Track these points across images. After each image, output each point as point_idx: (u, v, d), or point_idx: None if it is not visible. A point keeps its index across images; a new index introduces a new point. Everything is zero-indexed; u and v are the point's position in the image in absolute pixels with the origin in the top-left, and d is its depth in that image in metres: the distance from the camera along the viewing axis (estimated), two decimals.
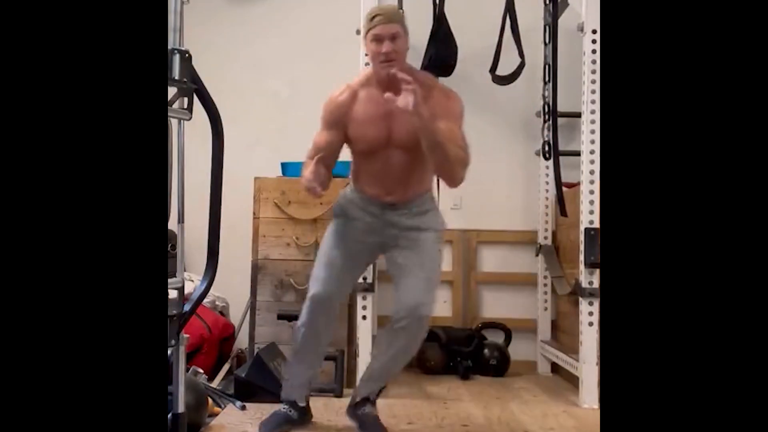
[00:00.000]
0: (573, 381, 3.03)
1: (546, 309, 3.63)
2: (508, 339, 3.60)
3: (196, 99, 1.58)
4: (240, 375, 2.78)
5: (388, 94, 2.02)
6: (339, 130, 2.26)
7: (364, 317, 2.86)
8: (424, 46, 3.30)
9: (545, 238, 3.63)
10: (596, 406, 2.71)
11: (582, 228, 2.81)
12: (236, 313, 3.62)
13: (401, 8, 3.10)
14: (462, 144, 2.15)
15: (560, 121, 3.14)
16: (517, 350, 3.61)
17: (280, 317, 2.95)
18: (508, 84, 3.29)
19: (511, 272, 3.78)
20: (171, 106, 1.53)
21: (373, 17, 2.19)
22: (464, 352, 3.44)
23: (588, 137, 2.80)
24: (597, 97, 2.79)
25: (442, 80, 3.31)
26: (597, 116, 2.79)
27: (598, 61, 2.78)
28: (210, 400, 2.51)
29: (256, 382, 2.72)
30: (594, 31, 2.81)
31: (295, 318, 2.35)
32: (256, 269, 3.16)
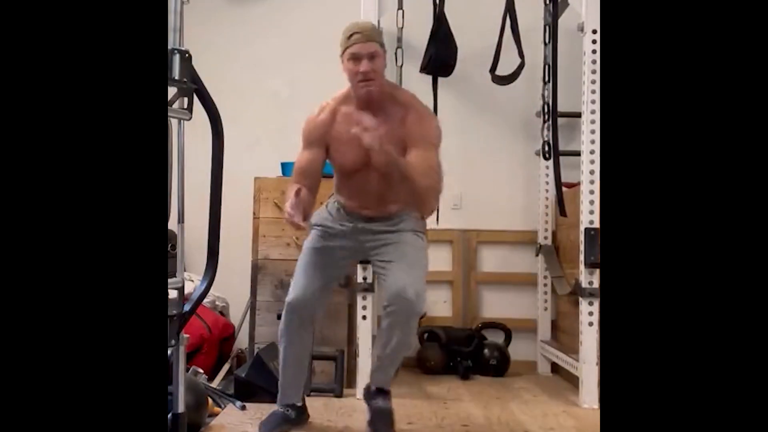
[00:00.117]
0: (573, 381, 3.03)
1: (546, 309, 3.63)
2: (508, 339, 3.60)
3: (196, 99, 1.58)
4: (240, 375, 2.78)
5: (354, 129, 2.05)
6: (320, 148, 2.29)
7: (364, 317, 2.86)
8: (424, 46, 3.31)
9: (545, 238, 3.63)
10: (596, 406, 2.71)
11: (582, 228, 2.81)
12: (236, 313, 3.62)
13: (401, 8, 3.11)
14: (433, 174, 2.16)
15: (560, 121, 3.14)
16: (517, 350, 3.61)
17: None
18: (508, 84, 3.29)
19: (511, 272, 3.78)
20: (171, 106, 1.53)
21: (351, 35, 2.18)
22: (464, 352, 3.44)
23: (588, 137, 2.80)
24: (597, 97, 2.79)
25: (441, 81, 3.35)
26: (597, 116, 2.79)
27: (598, 61, 2.78)
28: (210, 400, 2.52)
29: (256, 382, 2.72)
30: (594, 31, 2.81)
31: None
32: (256, 269, 3.16)
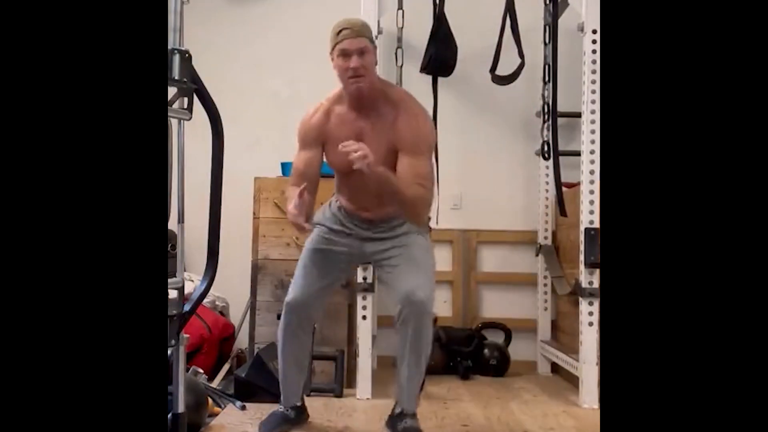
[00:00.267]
0: (573, 381, 3.03)
1: (546, 309, 3.63)
2: (508, 339, 3.60)
3: (196, 99, 1.57)
4: (240, 375, 2.78)
5: (341, 146, 2.03)
6: (317, 147, 2.28)
7: (364, 317, 2.86)
8: (424, 46, 3.31)
9: (545, 238, 3.63)
10: (596, 406, 2.71)
11: (582, 228, 2.81)
12: (236, 313, 3.62)
13: (401, 8, 3.10)
14: (423, 182, 2.15)
15: (560, 121, 3.14)
16: (517, 350, 3.61)
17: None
18: (508, 84, 3.29)
19: (511, 272, 3.78)
20: (171, 106, 1.52)
21: (340, 31, 2.17)
22: (464, 352, 3.44)
23: (588, 137, 2.80)
24: (597, 97, 2.79)
25: (441, 81, 3.34)
26: (597, 116, 2.79)
27: (598, 61, 2.78)
28: (210, 400, 2.52)
29: (256, 382, 2.72)
30: (594, 31, 2.81)
31: None
32: (256, 269, 3.16)
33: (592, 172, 2.79)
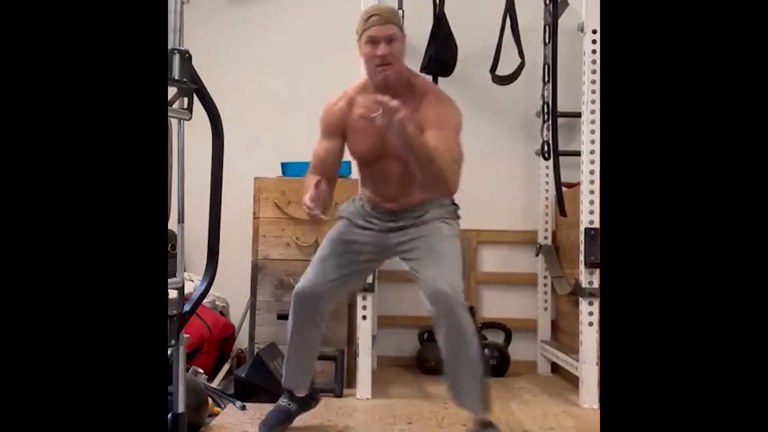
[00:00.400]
0: (573, 381, 3.03)
1: (546, 309, 3.63)
2: (508, 339, 3.60)
3: (196, 99, 1.58)
4: (240, 375, 2.78)
5: (377, 97, 1.89)
6: (338, 137, 2.23)
7: (364, 317, 2.86)
8: (424, 46, 3.31)
9: (545, 238, 3.63)
10: (596, 406, 2.71)
11: (582, 228, 2.81)
12: (236, 313, 3.62)
13: (401, 8, 3.10)
14: (452, 150, 2.04)
15: (560, 121, 3.14)
16: (517, 350, 3.61)
17: (280, 317, 2.96)
18: (508, 84, 3.29)
19: (511, 272, 3.78)
20: (171, 106, 1.52)
21: (369, 17, 2.10)
22: None
23: (588, 137, 2.80)
24: (597, 97, 2.79)
25: (441, 81, 3.34)
26: (597, 116, 2.79)
27: (598, 61, 2.78)
28: (210, 400, 2.51)
29: (256, 382, 2.72)
30: (594, 31, 2.80)
31: None
32: (256, 269, 3.16)
33: (592, 172, 2.79)
